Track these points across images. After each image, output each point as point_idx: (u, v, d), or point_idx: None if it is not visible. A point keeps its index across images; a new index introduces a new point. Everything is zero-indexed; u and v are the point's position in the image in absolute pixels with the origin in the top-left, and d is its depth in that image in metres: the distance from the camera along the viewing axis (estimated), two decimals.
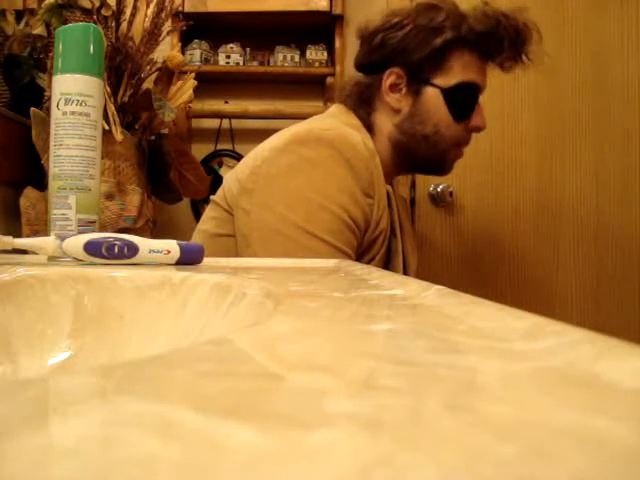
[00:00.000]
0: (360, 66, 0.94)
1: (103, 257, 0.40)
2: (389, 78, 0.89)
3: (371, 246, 0.84)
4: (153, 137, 1.01)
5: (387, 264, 0.91)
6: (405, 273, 0.94)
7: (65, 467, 0.07)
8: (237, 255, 0.80)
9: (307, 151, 0.79)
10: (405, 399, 0.10)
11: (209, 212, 0.89)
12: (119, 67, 0.90)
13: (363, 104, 0.92)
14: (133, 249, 0.41)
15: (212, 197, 0.89)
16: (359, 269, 0.45)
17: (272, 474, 0.07)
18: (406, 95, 0.89)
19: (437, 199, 1.38)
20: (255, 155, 0.83)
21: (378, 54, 0.90)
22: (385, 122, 0.91)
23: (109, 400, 0.10)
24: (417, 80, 0.88)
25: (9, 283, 0.33)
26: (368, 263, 0.85)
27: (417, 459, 0.07)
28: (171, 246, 0.43)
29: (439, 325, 0.18)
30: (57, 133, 0.51)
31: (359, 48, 0.94)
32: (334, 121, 0.86)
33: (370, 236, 0.83)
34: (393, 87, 0.89)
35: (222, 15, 1.34)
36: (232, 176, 0.86)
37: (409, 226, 1.04)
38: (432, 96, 0.88)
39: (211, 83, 1.39)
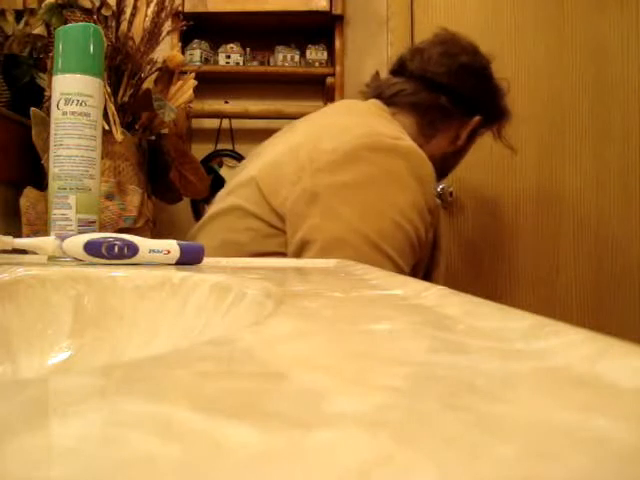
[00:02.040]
0: (459, 95, 0.93)
1: (103, 257, 0.40)
2: (476, 124, 0.96)
3: (417, 263, 0.83)
4: (153, 137, 1.01)
5: (427, 275, 0.90)
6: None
7: (65, 467, 0.07)
8: None
9: (382, 161, 0.76)
10: (405, 399, 0.10)
11: (239, 221, 0.80)
12: (119, 67, 0.90)
13: (426, 125, 0.92)
14: (133, 249, 0.41)
15: (240, 203, 0.81)
16: (359, 269, 0.45)
17: (272, 474, 0.07)
18: (466, 138, 0.97)
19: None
20: (309, 157, 0.77)
21: (478, 96, 0.95)
22: (433, 147, 0.91)
23: (109, 400, 0.10)
24: (478, 131, 0.98)
25: (9, 283, 0.33)
26: (413, 275, 0.84)
27: (417, 459, 0.07)
28: (171, 246, 0.43)
29: (439, 325, 0.18)
30: (57, 133, 0.51)
31: (467, 71, 0.94)
32: (395, 127, 0.85)
33: (418, 255, 0.82)
34: None
35: (222, 15, 1.35)
36: (271, 179, 0.78)
37: None
38: (472, 143, 1.01)
39: (211, 83, 1.39)
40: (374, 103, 0.92)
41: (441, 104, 0.91)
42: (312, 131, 0.83)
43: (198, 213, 1.36)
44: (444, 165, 0.96)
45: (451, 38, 0.97)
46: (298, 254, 0.75)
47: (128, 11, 0.90)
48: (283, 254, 0.78)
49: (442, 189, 1.37)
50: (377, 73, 1.03)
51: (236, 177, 0.88)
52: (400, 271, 0.75)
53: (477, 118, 0.95)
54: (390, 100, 0.92)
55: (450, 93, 0.92)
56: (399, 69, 0.97)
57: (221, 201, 0.86)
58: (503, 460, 0.07)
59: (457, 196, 1.39)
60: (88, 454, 0.07)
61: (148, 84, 0.96)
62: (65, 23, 0.84)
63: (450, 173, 1.04)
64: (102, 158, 0.59)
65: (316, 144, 0.79)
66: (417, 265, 0.83)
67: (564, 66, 1.40)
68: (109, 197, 0.87)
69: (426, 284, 0.28)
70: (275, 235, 0.78)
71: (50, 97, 0.54)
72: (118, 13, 0.89)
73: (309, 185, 0.75)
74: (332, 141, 0.78)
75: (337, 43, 1.38)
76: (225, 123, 1.41)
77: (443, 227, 1.03)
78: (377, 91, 0.96)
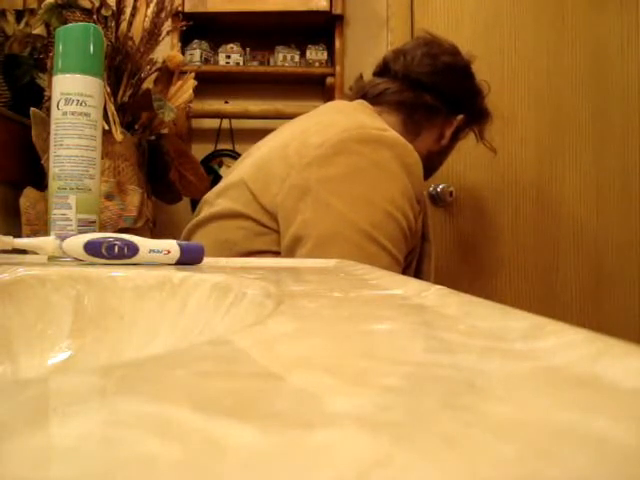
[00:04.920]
0: (443, 94, 0.94)
1: (103, 257, 0.40)
2: (460, 122, 0.98)
3: (410, 252, 0.84)
4: (153, 137, 1.01)
5: (417, 268, 0.91)
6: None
7: (65, 467, 0.07)
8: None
9: (369, 152, 0.76)
10: (405, 399, 0.10)
11: (230, 222, 0.80)
12: (119, 67, 0.90)
13: (411, 124, 0.93)
14: (133, 249, 0.41)
15: (230, 206, 0.80)
16: (359, 269, 0.45)
17: (272, 474, 0.07)
18: (450, 136, 0.98)
19: (437, 199, 1.38)
20: (298, 153, 0.77)
21: (461, 94, 0.97)
22: (418, 146, 0.91)
23: (109, 400, 0.10)
24: (462, 130, 1.01)
25: (9, 283, 0.33)
26: (407, 267, 0.85)
27: (417, 459, 0.07)
28: (171, 246, 0.43)
29: (439, 325, 0.18)
30: (57, 133, 0.51)
31: (450, 71, 0.95)
32: (381, 121, 0.85)
33: (411, 244, 0.82)
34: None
35: (222, 15, 1.34)
36: (260, 178, 0.79)
37: None
38: (455, 142, 1.02)
39: (211, 83, 1.39)
40: (360, 102, 0.93)
41: (426, 103, 0.93)
42: (299, 129, 0.83)
43: None
44: (429, 164, 0.96)
45: (433, 40, 0.99)
46: (292, 250, 0.74)
47: (128, 11, 0.90)
48: (276, 252, 0.77)
49: (442, 189, 1.37)
50: (361, 75, 1.03)
51: (225, 179, 0.88)
52: (395, 260, 0.75)
53: (461, 116, 0.97)
54: (375, 100, 0.93)
55: (434, 92, 0.93)
56: (383, 70, 0.98)
57: (211, 204, 0.85)
58: (503, 460, 0.07)
59: (457, 196, 1.39)
60: (88, 454, 0.07)
61: (148, 84, 0.96)
62: (65, 23, 0.84)
63: (435, 172, 1.05)
64: (102, 158, 0.59)
65: (304, 140, 0.79)
66: (410, 254, 0.84)
67: (564, 66, 1.40)
68: (109, 197, 0.87)
69: (426, 284, 0.28)
70: (266, 233, 0.78)
71: (50, 97, 0.54)
72: (118, 13, 0.89)
73: (298, 180, 0.75)
74: (319, 136, 0.78)
75: (337, 43, 1.38)
76: (225, 123, 1.41)
77: (431, 218, 1.04)
78: (361, 92, 0.96)
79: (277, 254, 0.77)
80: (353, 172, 0.75)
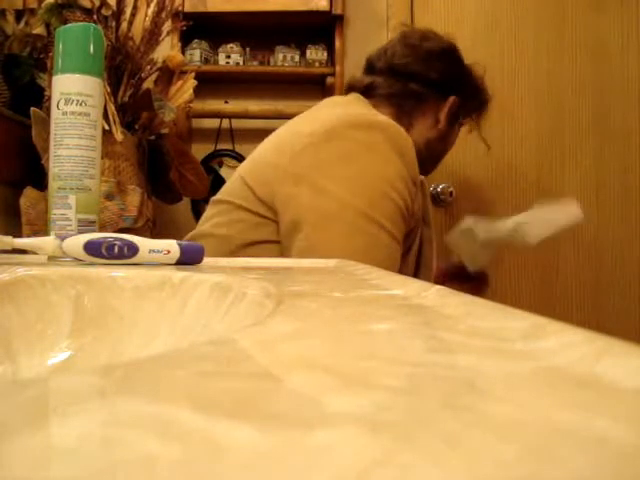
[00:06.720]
0: (428, 79, 0.95)
1: (103, 257, 0.40)
2: (452, 104, 0.97)
3: (409, 235, 0.84)
4: (153, 137, 1.01)
5: (419, 253, 0.91)
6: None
7: (65, 467, 0.07)
8: (280, 254, 0.76)
9: (361, 135, 0.77)
10: (405, 399, 0.10)
11: (225, 216, 0.82)
12: (119, 67, 0.90)
13: (403, 115, 0.93)
14: (133, 249, 0.41)
15: (227, 199, 0.82)
16: (359, 269, 0.45)
17: (272, 474, 0.07)
18: (446, 120, 0.97)
19: (437, 199, 1.38)
20: (290, 142, 0.79)
21: (448, 76, 0.96)
22: (414, 135, 0.91)
23: (109, 400, 0.10)
24: (460, 114, 1.00)
25: (9, 283, 0.33)
26: (407, 252, 0.85)
27: (417, 459, 0.07)
28: (171, 246, 0.43)
29: (439, 325, 0.18)
30: (57, 133, 0.51)
31: (432, 56, 0.95)
32: (373, 111, 0.86)
33: (409, 225, 0.83)
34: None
35: (222, 15, 1.35)
36: (256, 170, 0.81)
37: None
38: (457, 128, 1.02)
39: (211, 83, 1.39)
40: (355, 96, 0.94)
41: (412, 90, 0.93)
42: (295, 123, 0.86)
43: (198, 213, 1.36)
44: (431, 153, 0.97)
45: (410, 30, 1.01)
46: (290, 236, 0.75)
47: (128, 11, 0.90)
48: (276, 242, 0.78)
49: (442, 189, 1.37)
50: (353, 76, 1.05)
51: (228, 181, 0.90)
52: (394, 239, 0.75)
53: (452, 98, 0.97)
54: (366, 95, 0.94)
55: (418, 79, 0.94)
56: (368, 70, 1.00)
57: (213, 204, 0.88)
58: (503, 460, 0.07)
59: (457, 196, 1.39)
60: (88, 454, 0.07)
61: (148, 84, 0.96)
62: (65, 23, 0.84)
63: (440, 161, 1.05)
64: (102, 158, 0.59)
65: (297, 130, 0.81)
66: (408, 237, 0.84)
67: (564, 66, 1.40)
68: (109, 197, 0.87)
69: (426, 284, 0.28)
70: (265, 224, 0.78)
71: (50, 97, 0.54)
72: (118, 13, 0.89)
73: (292, 167, 0.76)
74: (311, 125, 0.80)
75: (337, 43, 1.38)
76: (225, 123, 1.41)
77: (430, 204, 1.04)
78: (350, 88, 0.98)
79: (277, 243, 0.78)
80: (346, 155, 0.76)
